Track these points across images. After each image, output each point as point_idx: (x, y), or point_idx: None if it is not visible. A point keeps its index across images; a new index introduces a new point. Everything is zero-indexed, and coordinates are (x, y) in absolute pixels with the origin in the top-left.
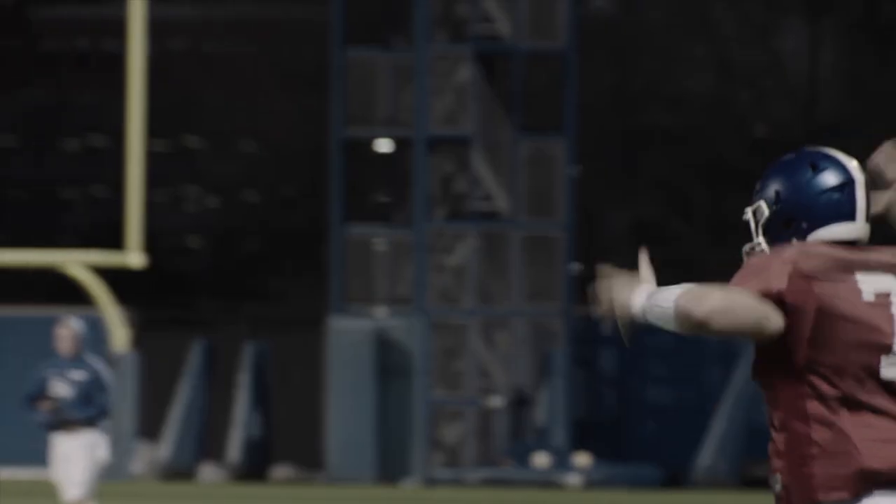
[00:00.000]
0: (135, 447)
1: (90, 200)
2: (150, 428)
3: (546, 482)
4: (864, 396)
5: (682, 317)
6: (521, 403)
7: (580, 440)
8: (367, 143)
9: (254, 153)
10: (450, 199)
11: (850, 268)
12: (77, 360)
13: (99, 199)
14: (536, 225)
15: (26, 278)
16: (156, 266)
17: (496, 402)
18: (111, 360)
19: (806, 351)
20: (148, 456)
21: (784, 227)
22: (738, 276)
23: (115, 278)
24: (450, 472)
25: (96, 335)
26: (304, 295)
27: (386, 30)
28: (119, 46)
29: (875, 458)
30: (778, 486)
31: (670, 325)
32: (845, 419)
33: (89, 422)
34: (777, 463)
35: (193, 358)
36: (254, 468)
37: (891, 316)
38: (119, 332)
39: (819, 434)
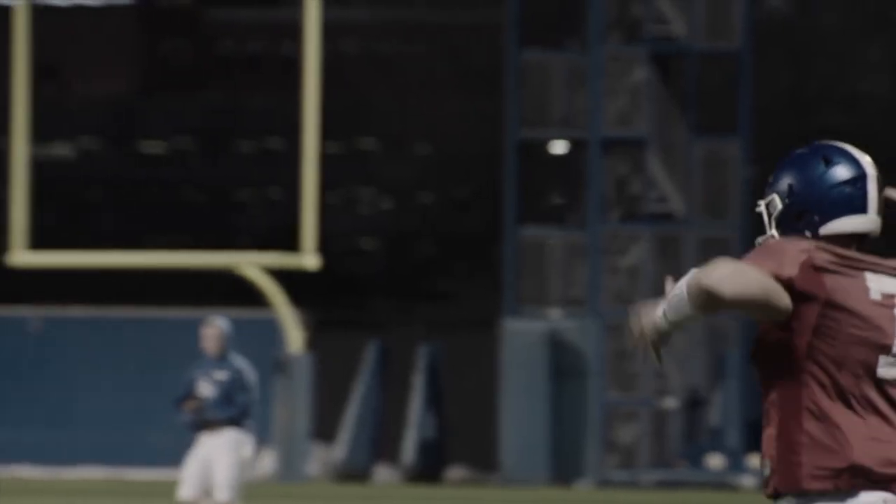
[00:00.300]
0: (310, 449)
1: (265, 202)
2: (324, 429)
3: (720, 484)
4: (859, 392)
5: (695, 290)
6: (695, 405)
7: (754, 441)
8: (542, 145)
9: (428, 155)
10: (624, 200)
11: (860, 266)
12: (221, 360)
13: (274, 201)
14: (710, 226)
15: (202, 280)
16: (330, 268)
17: (670, 403)
18: (286, 362)
19: (809, 339)
20: (323, 457)
21: (796, 220)
22: (751, 256)
23: (289, 280)
24: (624, 473)
25: (271, 337)
26: (478, 296)
27: (560, 31)
28: (294, 49)
29: (865, 454)
30: (767, 471)
31: (688, 309)
32: (839, 412)
33: (231, 421)
34: (768, 448)
35: (368, 359)
36: (428, 469)
37: (893, 317)
38: (294, 334)
39: (811, 424)
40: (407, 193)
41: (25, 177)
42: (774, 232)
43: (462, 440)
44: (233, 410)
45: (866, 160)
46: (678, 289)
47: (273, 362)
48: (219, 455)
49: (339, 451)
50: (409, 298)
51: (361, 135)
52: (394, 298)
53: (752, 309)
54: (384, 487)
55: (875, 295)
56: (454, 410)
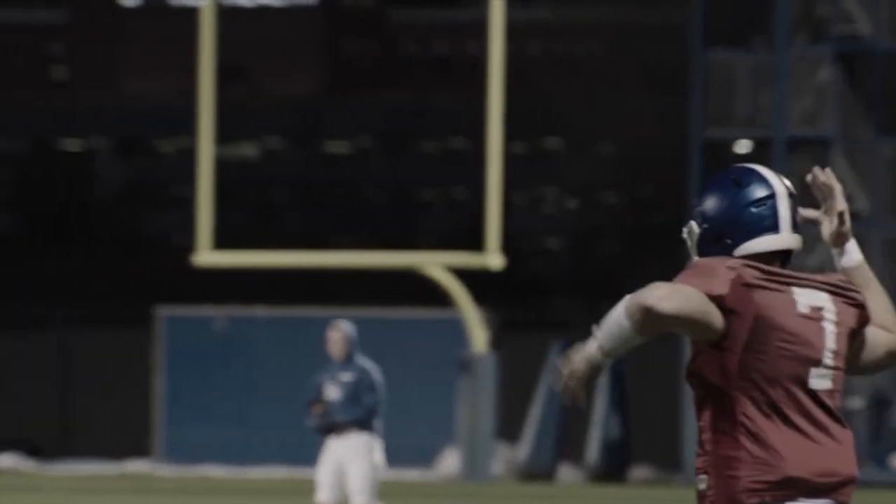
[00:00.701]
0: (494, 448)
1: (449, 202)
2: (508, 429)
3: None
4: (792, 405)
5: (635, 311)
6: (880, 405)
7: None
8: (727, 144)
9: (612, 154)
10: (810, 200)
11: (786, 281)
12: (347, 363)
13: (458, 200)
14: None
15: (386, 280)
16: (514, 267)
17: (856, 403)
18: (470, 362)
19: (741, 356)
20: (507, 457)
21: (714, 244)
22: (682, 276)
23: (473, 279)
24: None
25: (455, 337)
26: None
27: (746, 31)
28: (478, 49)
29: (800, 466)
30: (703, 486)
31: (627, 333)
32: (772, 426)
33: (358, 423)
34: (703, 463)
35: (552, 359)
36: (612, 469)
37: (822, 329)
38: (478, 334)
39: (746, 439)
40: (591, 193)
41: (211, 177)
42: (695, 258)
43: (646, 440)
44: (359, 412)
45: (776, 180)
46: (613, 315)
47: (458, 362)
48: (350, 460)
49: (523, 450)
50: (593, 297)
51: (546, 134)
52: (578, 298)
53: (690, 327)
54: (568, 487)
55: (803, 308)
56: (638, 410)
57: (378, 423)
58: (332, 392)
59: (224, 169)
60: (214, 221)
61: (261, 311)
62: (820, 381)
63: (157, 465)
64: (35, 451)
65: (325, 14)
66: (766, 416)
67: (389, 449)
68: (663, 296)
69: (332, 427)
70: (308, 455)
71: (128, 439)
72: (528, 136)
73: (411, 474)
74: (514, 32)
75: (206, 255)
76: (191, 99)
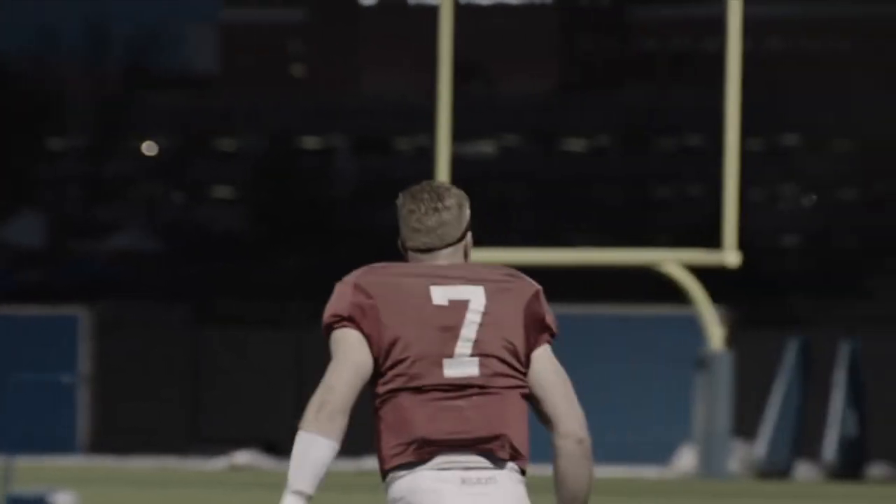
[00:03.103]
0: (730, 446)
1: (685, 199)
2: (745, 427)
3: None
4: (426, 386)
5: (302, 424)
6: None
7: None
8: None
9: (850, 151)
10: None
11: (421, 278)
12: None
13: (694, 197)
14: None
15: (622, 277)
16: (750, 265)
17: None
18: (707, 360)
19: (377, 346)
20: (743, 455)
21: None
22: (325, 315)
23: (709, 277)
24: None
25: (692, 334)
26: None
27: None
28: (716, 45)
29: (427, 429)
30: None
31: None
32: (407, 400)
33: None
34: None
35: (788, 356)
36: (849, 467)
37: (460, 324)
38: (715, 331)
39: (387, 414)
40: (829, 189)
41: (448, 175)
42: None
43: (884, 437)
44: None
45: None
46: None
47: (694, 359)
48: None
49: (759, 448)
50: (831, 295)
51: (783, 131)
52: (815, 295)
53: (364, 377)
54: (805, 485)
55: (440, 300)
56: (876, 408)
57: None
58: None
59: (461, 166)
60: None
61: None
62: (452, 369)
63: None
64: (271, 447)
65: (562, 11)
66: (403, 394)
67: (626, 446)
68: (318, 402)
69: None
70: (540, 453)
71: (363, 436)
72: (765, 133)
73: (648, 471)
74: (752, 28)
75: None
76: (428, 97)
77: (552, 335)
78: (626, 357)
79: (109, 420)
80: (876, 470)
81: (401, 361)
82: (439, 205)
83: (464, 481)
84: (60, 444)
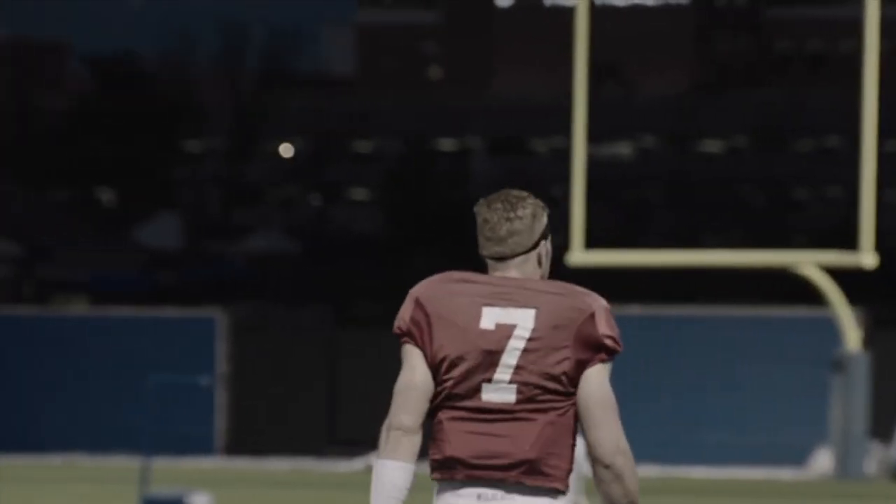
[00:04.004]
0: (867, 447)
1: (823, 201)
2: (882, 429)
3: None
4: (464, 408)
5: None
6: None
7: None
8: None
9: None
10: None
11: (477, 297)
12: None
13: (832, 199)
14: None
15: (759, 279)
16: (887, 266)
17: None
18: (844, 361)
19: (431, 366)
20: (880, 456)
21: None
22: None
23: (846, 278)
24: None
25: (829, 336)
26: None
27: None
28: (853, 46)
29: (457, 449)
30: None
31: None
32: (446, 419)
33: None
34: None
35: None
36: None
37: (502, 349)
38: (852, 333)
39: (433, 428)
40: None
41: (584, 176)
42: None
43: None
44: None
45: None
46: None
47: (831, 361)
48: None
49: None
50: None
51: None
52: None
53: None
54: None
55: (488, 324)
56: None
57: None
58: None
59: (597, 168)
60: (587, 220)
61: (633, 310)
62: (491, 394)
63: None
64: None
65: (699, 11)
66: (447, 412)
67: (762, 447)
68: (391, 420)
69: None
70: (676, 454)
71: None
72: None
73: (784, 473)
74: (890, 29)
75: (579, 255)
76: (565, 98)
77: (609, 352)
78: (763, 358)
79: (246, 421)
80: None
81: (446, 381)
82: (511, 214)
83: (479, 496)
84: (197, 445)
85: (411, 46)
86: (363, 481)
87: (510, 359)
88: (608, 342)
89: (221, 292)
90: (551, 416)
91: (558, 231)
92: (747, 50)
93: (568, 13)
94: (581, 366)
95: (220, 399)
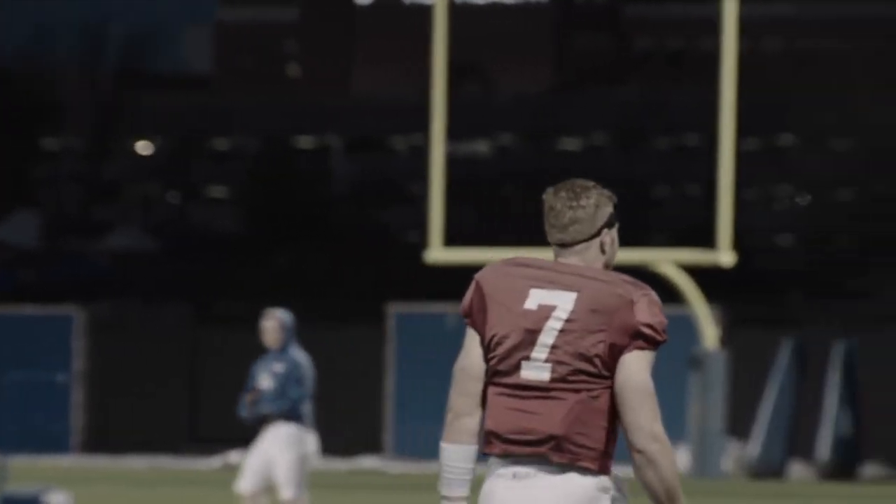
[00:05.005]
0: (724, 445)
1: (681, 199)
2: (739, 426)
3: None
4: (506, 384)
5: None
6: None
7: None
8: None
9: (847, 151)
10: None
11: (528, 280)
12: (282, 353)
13: (690, 197)
14: None
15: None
16: (745, 265)
17: None
18: (700, 359)
19: (483, 341)
20: (737, 454)
21: None
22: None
23: (704, 276)
24: None
25: (686, 333)
26: (895, 292)
27: None
28: (712, 45)
29: (497, 424)
30: None
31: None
32: (492, 394)
33: (285, 415)
34: None
35: (782, 356)
36: (843, 467)
37: (541, 329)
38: (709, 331)
39: (486, 405)
40: (825, 190)
41: (443, 174)
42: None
43: (878, 436)
44: (285, 403)
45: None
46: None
47: (688, 358)
48: (278, 452)
49: (753, 447)
50: (826, 295)
51: (779, 130)
52: (809, 295)
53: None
54: (798, 485)
55: (532, 305)
56: (870, 407)
57: (308, 414)
58: (265, 381)
59: (457, 166)
60: (446, 218)
61: None
62: (530, 371)
63: (388, 462)
64: None
65: (558, 10)
66: (493, 388)
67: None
68: (450, 408)
69: (263, 417)
70: None
71: (359, 435)
72: (760, 133)
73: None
74: (749, 27)
75: (438, 252)
76: (423, 96)
77: (649, 341)
78: None
79: (104, 419)
80: (870, 469)
81: (493, 357)
82: (574, 203)
83: (515, 475)
84: (54, 443)
85: (270, 44)
86: (222, 479)
87: (547, 338)
88: (646, 330)
89: (81, 290)
90: (583, 395)
91: (418, 229)
92: (606, 48)
93: (427, 12)
94: (617, 351)
95: (78, 397)
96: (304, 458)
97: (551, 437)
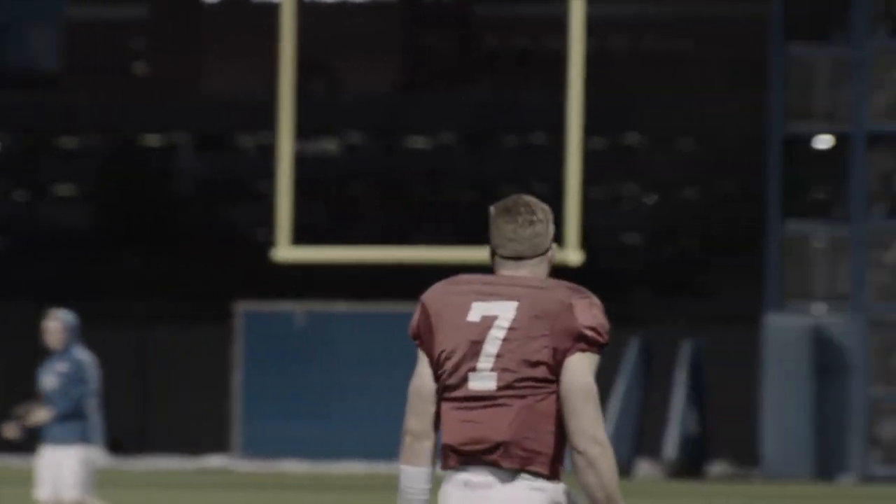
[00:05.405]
0: None
1: None
2: None
3: None
4: (456, 397)
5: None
6: None
7: None
8: (807, 140)
9: (692, 150)
10: (889, 195)
11: (470, 295)
12: (64, 353)
13: (537, 196)
14: None
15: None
16: (592, 263)
17: None
18: None
19: (432, 359)
20: None
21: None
22: None
23: (551, 275)
24: (887, 468)
25: None
26: (741, 292)
27: (825, 25)
28: (559, 44)
29: (451, 437)
30: None
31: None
32: (445, 409)
33: (67, 415)
34: None
35: (629, 355)
36: (690, 464)
37: (484, 339)
38: None
39: (440, 418)
40: (671, 189)
41: (291, 172)
42: None
43: (724, 435)
44: (68, 403)
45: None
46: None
47: None
48: (63, 454)
49: None
50: (672, 294)
51: (626, 130)
52: (656, 294)
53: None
54: (645, 483)
55: (474, 317)
56: (716, 406)
57: (93, 414)
58: (48, 382)
59: (304, 164)
60: (294, 217)
61: (340, 307)
62: (476, 382)
63: (235, 461)
64: (115, 446)
65: (406, 9)
66: (445, 403)
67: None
68: (406, 428)
69: (48, 418)
70: (388, 450)
71: (206, 435)
72: (607, 132)
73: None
74: (595, 27)
75: (286, 251)
76: (271, 94)
77: (592, 344)
78: None
79: None
80: (716, 467)
81: (443, 373)
82: (534, 218)
83: (466, 484)
84: None
85: (118, 42)
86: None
87: (491, 347)
88: (588, 332)
89: None
90: (529, 401)
91: (266, 227)
92: (455, 47)
93: (275, 10)
94: (560, 355)
95: None
96: (89, 459)
97: (500, 444)
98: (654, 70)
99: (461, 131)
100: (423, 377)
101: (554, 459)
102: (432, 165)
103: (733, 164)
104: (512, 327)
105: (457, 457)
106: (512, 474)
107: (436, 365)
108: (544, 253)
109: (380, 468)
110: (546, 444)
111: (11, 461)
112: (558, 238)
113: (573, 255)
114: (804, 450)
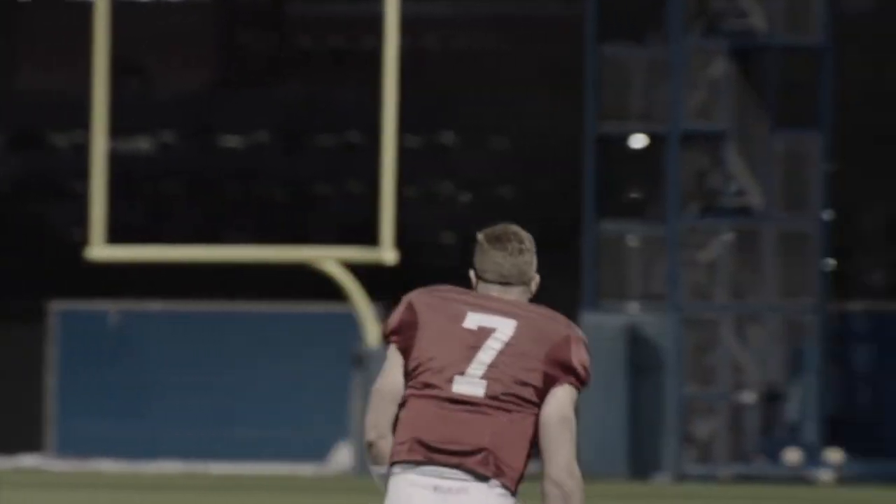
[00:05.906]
0: None
1: (343, 197)
2: None
3: (797, 478)
4: (435, 396)
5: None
6: (772, 399)
7: (832, 436)
8: (621, 139)
9: (507, 149)
10: (703, 194)
11: (466, 305)
12: None
13: (352, 195)
14: (790, 220)
15: (280, 275)
16: (408, 262)
17: (747, 397)
18: (363, 357)
19: (411, 357)
20: None
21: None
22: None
23: (367, 274)
24: (701, 467)
25: (349, 331)
26: (557, 290)
27: (640, 25)
28: (374, 43)
29: (422, 432)
30: None
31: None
32: (417, 405)
33: None
34: None
35: None
36: None
37: (480, 347)
38: (372, 329)
39: (402, 413)
40: (486, 188)
41: (105, 171)
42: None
43: None
44: None
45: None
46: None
47: (351, 356)
48: None
49: None
50: None
51: (440, 129)
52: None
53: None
54: None
55: (470, 324)
56: None
57: None
58: None
59: (118, 163)
60: (108, 215)
61: (155, 306)
62: (461, 386)
63: (49, 460)
64: None
65: (220, 8)
66: (417, 398)
67: (285, 442)
68: (367, 422)
69: None
70: (204, 449)
71: (20, 434)
72: (422, 131)
73: (306, 468)
74: (411, 27)
75: (100, 250)
76: (85, 93)
77: (579, 380)
78: (285, 354)
79: None
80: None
81: (423, 371)
82: (522, 246)
83: (436, 488)
84: None
85: None
86: None
87: (486, 356)
88: (580, 370)
89: None
90: (513, 416)
91: (80, 226)
92: (269, 46)
93: (89, 8)
94: (549, 382)
95: None
96: None
97: (480, 450)
98: (469, 69)
99: (275, 130)
100: (393, 378)
101: (519, 478)
102: (246, 164)
103: (549, 164)
104: (510, 343)
105: (426, 452)
106: (486, 480)
107: (414, 362)
108: (528, 282)
109: (196, 467)
110: (518, 461)
111: None
112: (373, 237)
113: (388, 253)
114: (619, 449)
